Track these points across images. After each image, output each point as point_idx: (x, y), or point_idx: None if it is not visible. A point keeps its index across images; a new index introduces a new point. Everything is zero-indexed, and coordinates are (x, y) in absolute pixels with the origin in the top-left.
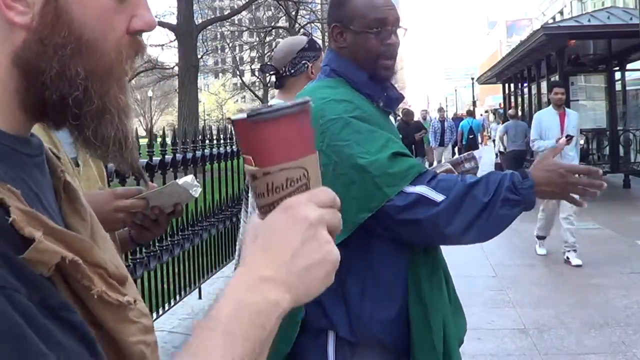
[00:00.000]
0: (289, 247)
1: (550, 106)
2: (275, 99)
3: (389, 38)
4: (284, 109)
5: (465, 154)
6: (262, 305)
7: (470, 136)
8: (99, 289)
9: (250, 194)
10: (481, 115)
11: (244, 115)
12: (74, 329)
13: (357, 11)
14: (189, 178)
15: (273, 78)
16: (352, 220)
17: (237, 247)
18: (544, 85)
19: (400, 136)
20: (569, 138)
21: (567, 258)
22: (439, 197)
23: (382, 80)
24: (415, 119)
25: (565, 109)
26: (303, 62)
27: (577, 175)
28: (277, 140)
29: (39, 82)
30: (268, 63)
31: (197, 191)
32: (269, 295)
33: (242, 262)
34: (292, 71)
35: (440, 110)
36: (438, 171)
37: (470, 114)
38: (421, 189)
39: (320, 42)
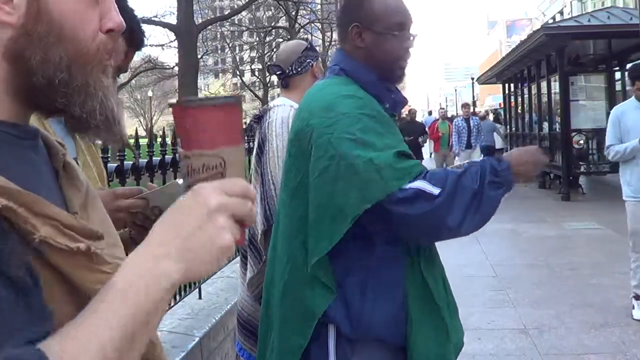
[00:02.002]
0: (186, 227)
1: (633, 98)
2: (281, 98)
3: (408, 41)
4: (208, 100)
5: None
6: (149, 277)
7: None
8: (42, 234)
9: (252, 187)
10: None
11: (179, 100)
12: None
13: (380, 13)
14: None
15: (274, 78)
16: (352, 210)
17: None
18: (544, 85)
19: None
20: None
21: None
22: (435, 190)
23: (395, 81)
24: (419, 118)
25: None
26: (308, 60)
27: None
28: (198, 127)
29: (26, 69)
30: (272, 64)
31: None
32: (158, 267)
33: (145, 239)
34: (299, 69)
35: (465, 106)
36: None
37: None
38: (419, 184)
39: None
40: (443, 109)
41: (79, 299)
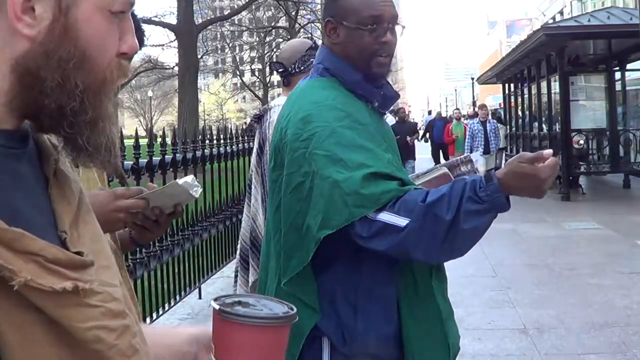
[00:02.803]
0: None
1: None
2: (282, 97)
3: (384, 35)
4: (256, 319)
5: (462, 156)
6: None
7: None
8: (22, 278)
9: (253, 187)
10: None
11: (217, 305)
12: None
13: (352, 6)
14: (189, 178)
15: (274, 78)
16: (312, 235)
17: (238, 246)
18: (544, 85)
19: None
20: None
21: None
22: (402, 222)
23: (376, 78)
24: (419, 119)
25: None
26: (311, 60)
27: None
28: (234, 343)
29: (38, 90)
30: (275, 61)
31: (197, 191)
32: None
33: None
34: (302, 68)
35: (483, 107)
36: (433, 175)
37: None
38: (384, 216)
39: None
40: (458, 109)
41: (64, 338)
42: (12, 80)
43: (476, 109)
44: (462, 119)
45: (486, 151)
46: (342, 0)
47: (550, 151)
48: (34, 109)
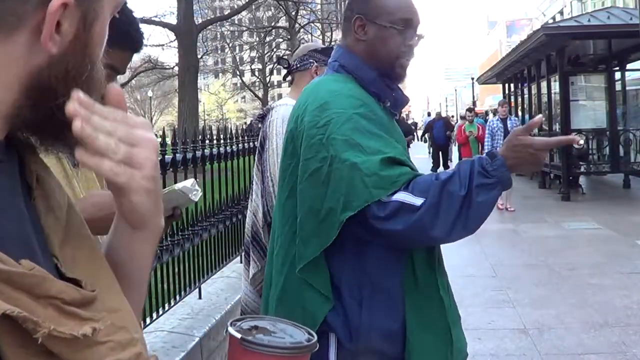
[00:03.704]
0: None
1: None
2: (285, 97)
3: (412, 39)
4: (281, 349)
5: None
6: None
7: None
8: (46, 329)
9: (254, 182)
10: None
11: (237, 334)
12: None
13: (386, 6)
14: (189, 182)
15: (274, 78)
16: (337, 218)
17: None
18: (544, 85)
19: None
20: None
21: None
22: (418, 201)
23: (396, 79)
24: (419, 119)
25: None
26: (310, 60)
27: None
28: None
29: (50, 104)
30: (284, 57)
31: (196, 195)
32: None
33: None
34: (299, 65)
35: (503, 104)
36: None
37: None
38: (399, 196)
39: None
40: (471, 109)
41: None
42: (20, 92)
43: (476, 108)
44: (475, 119)
45: None
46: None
47: (540, 116)
48: (37, 123)
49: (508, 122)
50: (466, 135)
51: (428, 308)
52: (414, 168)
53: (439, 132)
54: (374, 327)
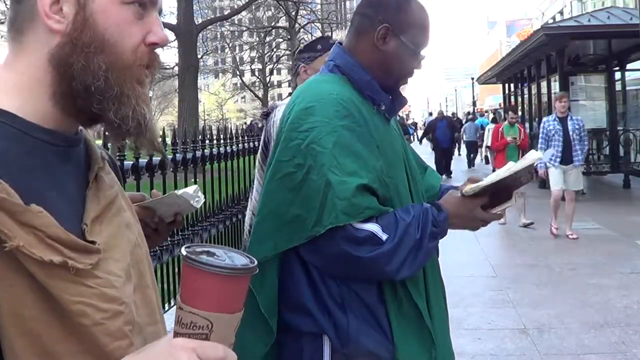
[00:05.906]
0: None
1: None
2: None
3: (420, 62)
4: (212, 267)
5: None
6: None
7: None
8: (16, 243)
9: (256, 181)
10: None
11: (185, 252)
12: None
13: (415, 26)
14: (191, 189)
15: (274, 78)
16: (306, 227)
17: (244, 239)
18: (544, 85)
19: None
20: None
21: None
22: (384, 236)
23: (390, 90)
24: (419, 119)
25: None
26: (298, 63)
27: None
28: (194, 286)
29: (68, 75)
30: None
31: (199, 202)
32: None
33: None
34: (294, 72)
35: (562, 98)
36: (523, 165)
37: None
38: (371, 226)
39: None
40: (513, 113)
41: (52, 304)
42: (51, 72)
43: (477, 109)
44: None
45: (566, 160)
46: (408, 15)
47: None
48: (69, 97)
49: (569, 122)
50: (506, 141)
51: (407, 313)
52: (387, 195)
53: (443, 134)
54: (361, 337)
